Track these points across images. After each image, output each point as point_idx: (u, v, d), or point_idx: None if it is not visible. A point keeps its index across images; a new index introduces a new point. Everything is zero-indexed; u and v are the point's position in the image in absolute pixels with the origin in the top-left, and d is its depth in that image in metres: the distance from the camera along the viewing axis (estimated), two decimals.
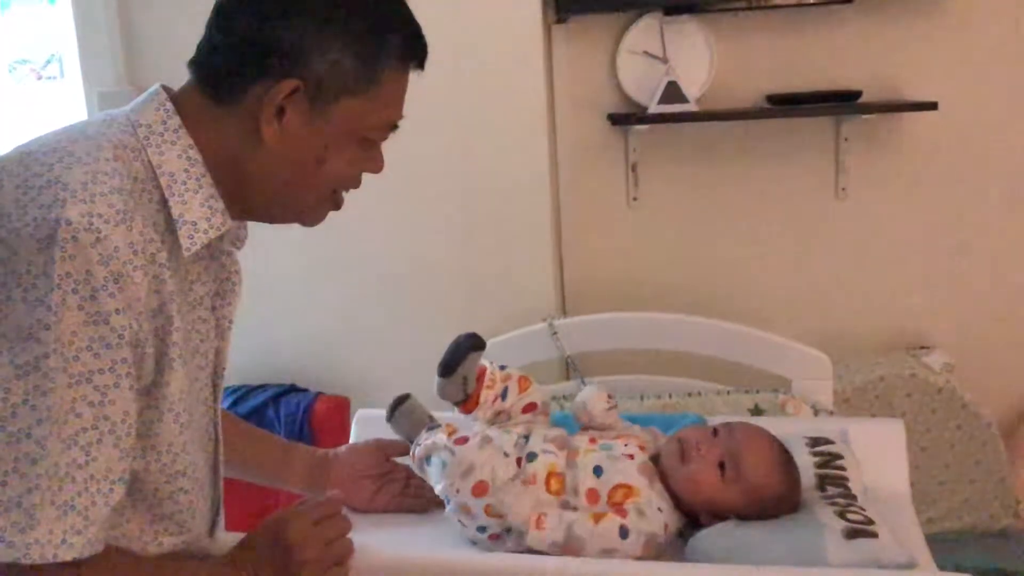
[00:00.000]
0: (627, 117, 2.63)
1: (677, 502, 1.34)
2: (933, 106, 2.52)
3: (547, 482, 1.31)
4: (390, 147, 1.16)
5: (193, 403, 1.10)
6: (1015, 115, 2.62)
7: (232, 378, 2.41)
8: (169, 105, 1.06)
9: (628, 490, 1.30)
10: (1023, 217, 2.67)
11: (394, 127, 1.14)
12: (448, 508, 1.33)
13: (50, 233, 0.92)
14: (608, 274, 2.75)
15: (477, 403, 1.42)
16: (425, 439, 1.38)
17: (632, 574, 1.24)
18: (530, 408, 1.44)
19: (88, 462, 0.95)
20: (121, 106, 1.09)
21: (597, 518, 1.26)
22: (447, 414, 1.51)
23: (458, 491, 1.29)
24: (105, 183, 0.96)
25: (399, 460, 1.48)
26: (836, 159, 2.68)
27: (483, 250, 2.54)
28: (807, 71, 2.62)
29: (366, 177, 1.16)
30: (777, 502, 1.33)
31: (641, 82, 2.63)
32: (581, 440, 1.38)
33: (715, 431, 1.38)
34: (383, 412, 1.47)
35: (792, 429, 1.53)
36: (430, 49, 1.12)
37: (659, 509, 1.30)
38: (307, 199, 1.13)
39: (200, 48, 1.09)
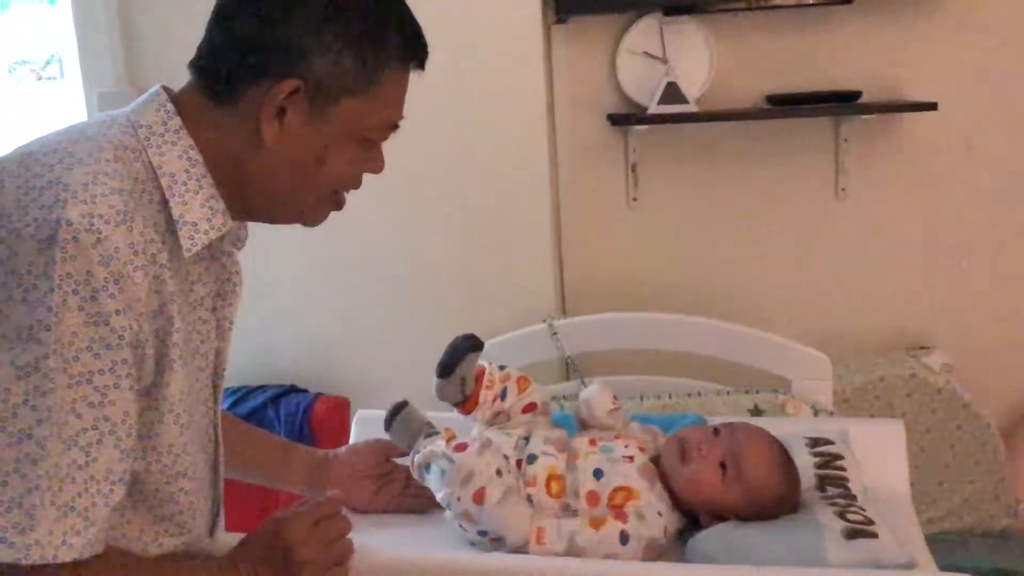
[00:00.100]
0: (627, 117, 2.63)
1: (677, 502, 1.34)
2: (933, 106, 2.51)
3: (547, 485, 1.31)
4: (390, 147, 1.16)
5: (193, 404, 1.10)
6: (1015, 115, 2.62)
7: (232, 379, 2.40)
8: (170, 106, 1.06)
9: (628, 493, 1.30)
10: (1023, 217, 2.67)
11: (395, 127, 1.14)
12: (448, 514, 1.32)
13: (51, 234, 0.92)
14: (608, 274, 2.75)
15: (476, 404, 1.41)
16: (423, 446, 1.36)
17: (632, 574, 1.24)
18: (530, 408, 1.44)
19: (88, 463, 0.95)
20: (121, 107, 1.09)
21: (597, 524, 1.26)
22: (447, 415, 1.51)
23: (459, 499, 1.27)
24: (106, 184, 0.96)
25: (399, 460, 1.48)
26: (836, 159, 2.68)
27: (483, 250, 2.53)
28: (807, 71, 2.62)
29: (366, 177, 1.16)
30: (777, 502, 1.33)
31: (641, 82, 2.62)
32: (581, 442, 1.38)
33: (716, 431, 1.38)
34: (383, 413, 1.46)
35: (792, 429, 1.53)
36: (430, 49, 1.12)
37: (659, 513, 1.30)
38: (308, 199, 1.13)
39: (200, 49, 1.09)
